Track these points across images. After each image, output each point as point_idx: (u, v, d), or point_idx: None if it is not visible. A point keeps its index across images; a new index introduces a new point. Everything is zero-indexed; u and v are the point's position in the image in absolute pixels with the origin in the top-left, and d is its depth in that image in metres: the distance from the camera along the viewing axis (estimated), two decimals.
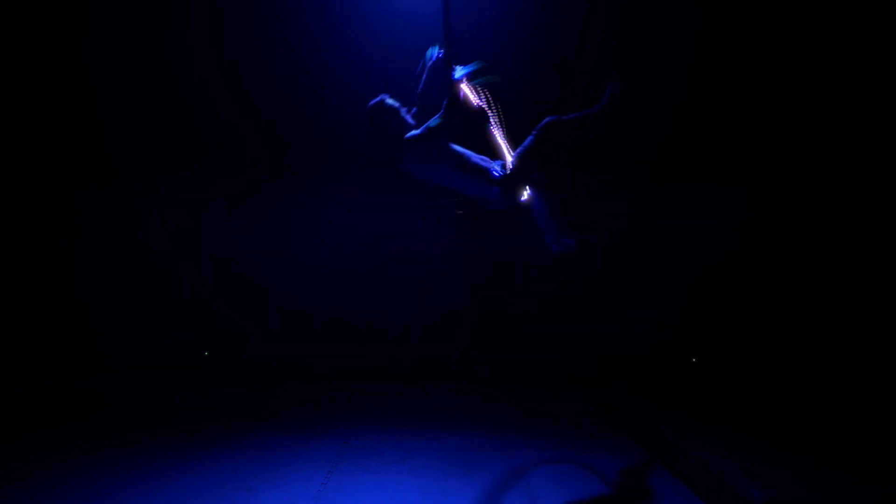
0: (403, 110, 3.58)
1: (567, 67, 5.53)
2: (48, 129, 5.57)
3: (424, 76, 3.64)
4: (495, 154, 3.67)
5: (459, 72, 3.58)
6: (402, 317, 5.79)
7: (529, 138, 3.64)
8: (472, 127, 3.67)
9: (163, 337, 5.64)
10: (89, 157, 5.63)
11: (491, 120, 3.69)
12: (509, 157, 3.66)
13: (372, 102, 3.56)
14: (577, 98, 5.32)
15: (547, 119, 3.63)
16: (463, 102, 3.59)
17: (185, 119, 5.61)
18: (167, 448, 3.95)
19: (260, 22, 5.55)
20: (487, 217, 5.52)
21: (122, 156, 5.66)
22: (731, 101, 5.57)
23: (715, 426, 4.02)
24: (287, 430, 4.40)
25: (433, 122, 3.49)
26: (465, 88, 3.59)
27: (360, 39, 5.51)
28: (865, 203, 5.32)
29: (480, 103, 3.68)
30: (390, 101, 3.57)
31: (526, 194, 3.77)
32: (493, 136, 3.70)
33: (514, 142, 3.70)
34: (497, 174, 3.63)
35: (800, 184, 5.51)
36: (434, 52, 3.65)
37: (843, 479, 3.14)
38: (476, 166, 3.62)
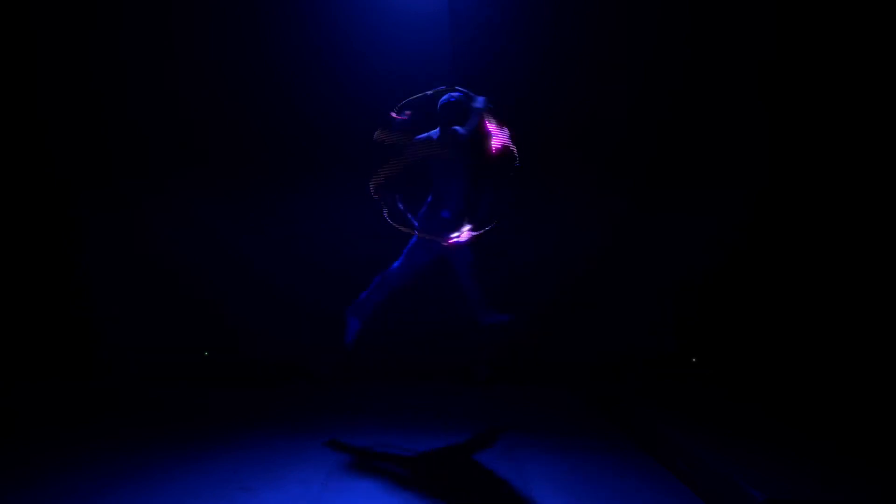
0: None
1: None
2: (50, 129, 5.58)
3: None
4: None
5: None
6: (403, 317, 5.79)
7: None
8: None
9: (163, 337, 5.64)
10: (93, 158, 5.63)
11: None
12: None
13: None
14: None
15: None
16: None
17: (190, 119, 5.61)
18: (167, 448, 3.94)
19: (264, 21, 5.56)
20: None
21: (125, 156, 5.66)
22: (728, 101, 5.58)
23: (715, 426, 4.02)
24: (287, 430, 4.40)
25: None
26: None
27: (363, 39, 5.52)
28: (864, 204, 5.32)
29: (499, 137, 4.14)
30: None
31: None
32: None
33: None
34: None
35: (799, 183, 5.51)
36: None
37: (844, 479, 3.14)
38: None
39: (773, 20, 5.41)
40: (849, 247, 5.32)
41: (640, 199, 5.71)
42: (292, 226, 5.70)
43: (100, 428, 4.37)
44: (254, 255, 5.72)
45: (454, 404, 5.18)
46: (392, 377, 5.69)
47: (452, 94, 4.25)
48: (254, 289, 5.76)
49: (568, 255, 5.75)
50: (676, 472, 3.66)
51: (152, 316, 5.68)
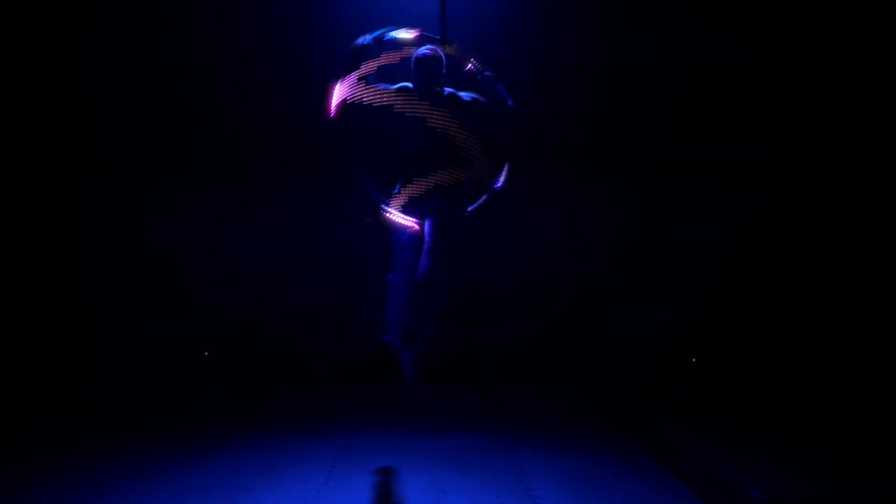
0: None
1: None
2: (50, 129, 5.58)
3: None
4: None
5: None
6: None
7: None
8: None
9: (163, 337, 5.64)
10: (93, 158, 5.64)
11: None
12: None
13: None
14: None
15: None
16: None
17: (191, 119, 5.61)
18: (167, 448, 3.95)
19: (265, 20, 5.56)
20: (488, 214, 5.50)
21: (125, 156, 5.66)
22: (729, 100, 5.57)
23: (715, 426, 4.02)
24: (287, 430, 4.40)
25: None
26: None
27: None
28: (866, 203, 5.32)
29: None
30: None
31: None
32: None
33: None
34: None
35: (803, 184, 5.51)
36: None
37: (844, 479, 3.14)
38: None
39: (773, 20, 5.41)
40: (850, 246, 5.31)
41: (641, 199, 5.71)
42: (295, 225, 5.70)
43: (100, 428, 4.37)
44: (254, 255, 5.72)
45: (454, 404, 5.18)
46: (392, 377, 5.69)
47: (431, 48, 3.64)
48: (254, 289, 5.76)
49: (569, 255, 5.75)
50: (676, 472, 3.67)
51: (152, 316, 5.68)
